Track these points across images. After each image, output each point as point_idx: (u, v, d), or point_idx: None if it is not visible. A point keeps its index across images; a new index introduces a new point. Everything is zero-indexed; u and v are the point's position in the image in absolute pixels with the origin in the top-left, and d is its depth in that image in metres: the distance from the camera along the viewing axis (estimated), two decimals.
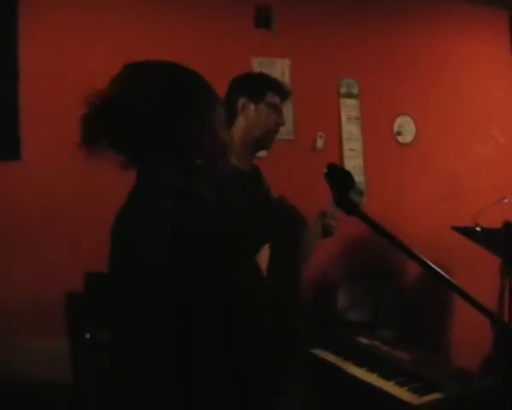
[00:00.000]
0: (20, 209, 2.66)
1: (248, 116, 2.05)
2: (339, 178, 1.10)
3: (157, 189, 1.11)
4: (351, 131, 3.45)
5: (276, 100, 2.10)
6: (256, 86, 2.10)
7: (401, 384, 2.11)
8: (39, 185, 2.69)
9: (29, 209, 2.67)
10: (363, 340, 2.65)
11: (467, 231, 3.06)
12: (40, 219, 2.65)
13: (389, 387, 2.12)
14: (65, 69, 2.78)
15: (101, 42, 2.93)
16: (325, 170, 1.10)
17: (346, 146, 3.44)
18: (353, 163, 3.40)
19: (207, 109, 1.16)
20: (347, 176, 1.11)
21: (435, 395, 2.00)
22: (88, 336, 2.20)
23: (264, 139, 2.10)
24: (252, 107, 2.05)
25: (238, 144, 2.02)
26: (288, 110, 3.33)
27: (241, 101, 2.04)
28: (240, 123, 2.04)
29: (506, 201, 3.17)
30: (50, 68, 2.76)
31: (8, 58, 2.73)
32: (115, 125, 1.09)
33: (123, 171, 1.13)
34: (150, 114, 1.09)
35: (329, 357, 2.52)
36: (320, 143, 3.36)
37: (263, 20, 3.29)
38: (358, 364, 2.37)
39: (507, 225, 2.99)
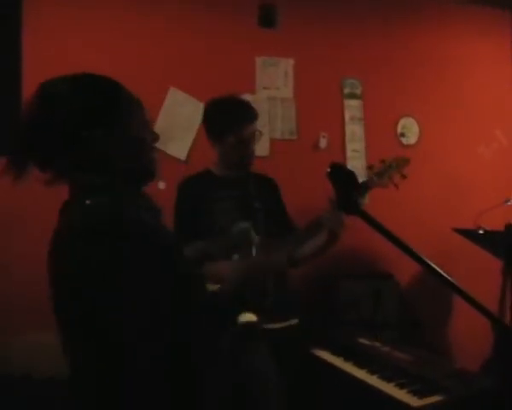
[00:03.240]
0: (21, 206, 2.66)
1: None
2: (342, 177, 1.09)
3: (79, 194, 1.15)
4: (354, 131, 3.44)
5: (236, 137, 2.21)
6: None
7: (401, 386, 2.10)
8: (40, 183, 2.68)
9: (30, 206, 2.67)
10: (364, 341, 2.65)
11: (469, 233, 3.06)
12: (41, 216, 2.65)
13: (389, 389, 2.11)
14: (66, 68, 2.76)
15: (101, 41, 2.94)
16: (328, 169, 1.10)
17: (349, 147, 3.43)
18: (356, 164, 3.39)
19: (126, 115, 1.17)
20: (351, 176, 1.10)
21: (436, 397, 1.99)
22: None
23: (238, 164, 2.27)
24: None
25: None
26: (290, 110, 3.34)
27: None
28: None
29: (509, 203, 3.16)
30: (52, 66, 2.74)
31: (12, 56, 2.74)
32: (37, 145, 1.13)
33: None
34: (69, 128, 1.11)
35: (329, 358, 2.51)
36: (323, 143, 3.36)
37: (267, 19, 3.29)
38: (359, 365, 2.37)
39: (509, 227, 2.98)
